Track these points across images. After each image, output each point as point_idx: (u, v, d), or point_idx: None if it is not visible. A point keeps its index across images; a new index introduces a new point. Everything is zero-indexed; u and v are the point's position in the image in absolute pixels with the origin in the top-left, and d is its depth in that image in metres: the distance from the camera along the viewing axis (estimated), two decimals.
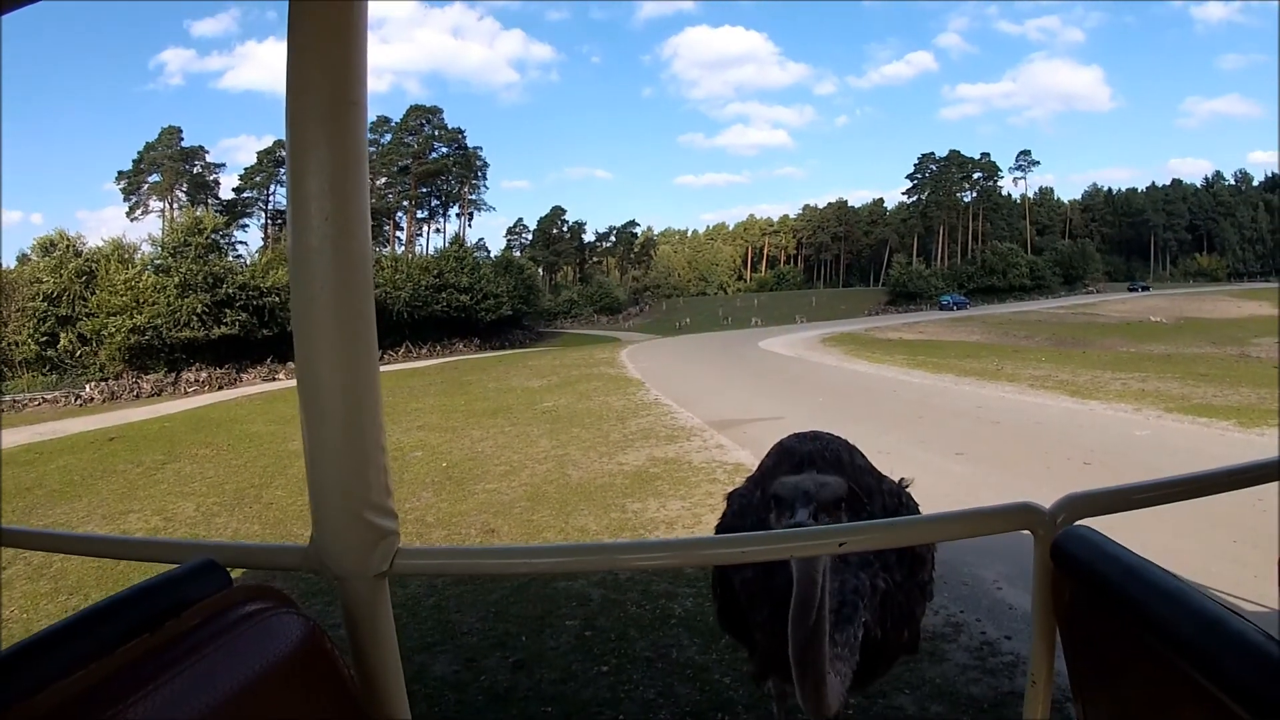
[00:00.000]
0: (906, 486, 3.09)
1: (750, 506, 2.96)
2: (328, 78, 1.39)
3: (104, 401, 35.65)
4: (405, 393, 23.95)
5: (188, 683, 1.07)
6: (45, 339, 41.77)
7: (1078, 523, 1.56)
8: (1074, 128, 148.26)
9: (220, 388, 39.31)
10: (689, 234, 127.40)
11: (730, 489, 3.36)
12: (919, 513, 3.01)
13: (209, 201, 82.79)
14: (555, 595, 6.19)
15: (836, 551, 1.75)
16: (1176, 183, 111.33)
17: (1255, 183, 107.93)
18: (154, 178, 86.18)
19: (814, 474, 2.33)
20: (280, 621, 1.24)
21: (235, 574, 1.39)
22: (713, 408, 16.14)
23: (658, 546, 1.90)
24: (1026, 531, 1.58)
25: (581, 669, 4.70)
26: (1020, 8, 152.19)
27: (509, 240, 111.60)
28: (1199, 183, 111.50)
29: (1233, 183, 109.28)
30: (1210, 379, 15.84)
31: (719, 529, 3.13)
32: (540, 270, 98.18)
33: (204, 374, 41.61)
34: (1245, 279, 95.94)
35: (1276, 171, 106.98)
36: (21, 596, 7.26)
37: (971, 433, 11.95)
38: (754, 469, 9.32)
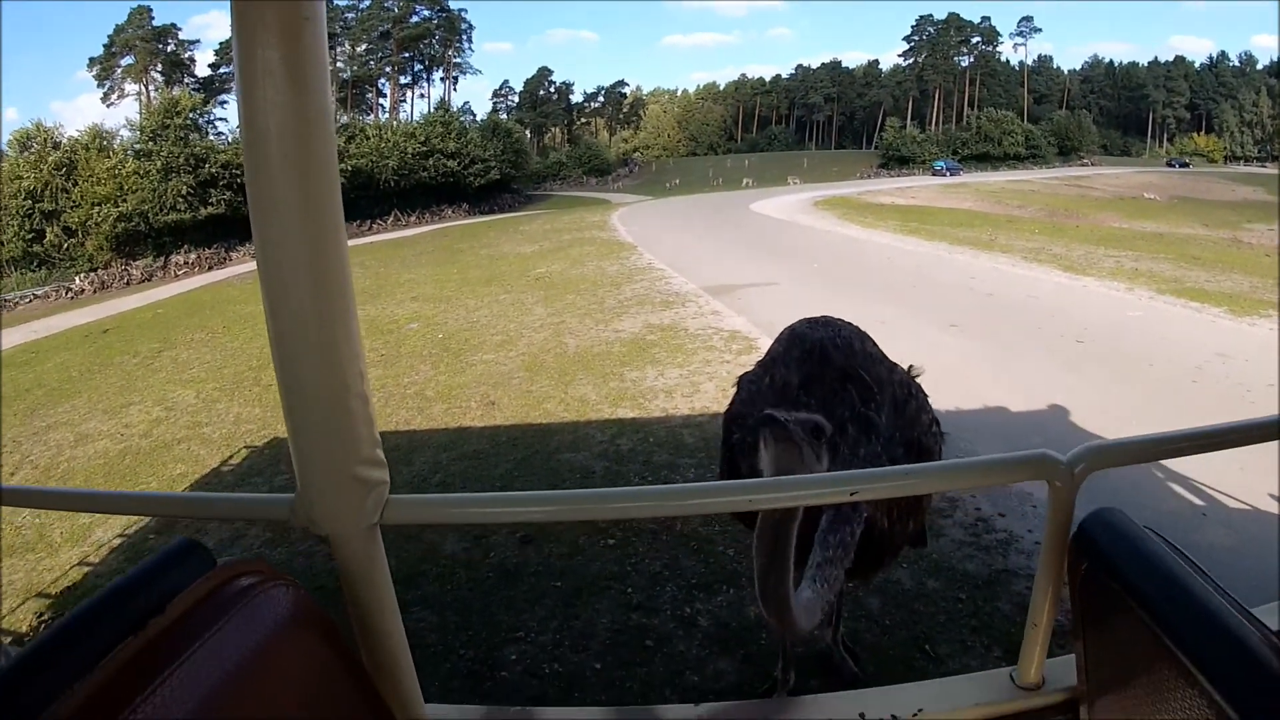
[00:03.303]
0: (917, 376, 3.09)
1: (760, 393, 2.92)
2: None
3: (95, 292, 35.02)
4: (397, 263, 23.73)
5: (185, 679, 1.03)
6: (31, 235, 40.64)
7: (1108, 507, 1.52)
8: None
9: (210, 268, 38.66)
10: (679, 94, 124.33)
11: (740, 370, 3.34)
12: (927, 402, 3.03)
13: (185, 81, 79.46)
14: (559, 468, 6.32)
15: (848, 500, 1.78)
16: (1179, 60, 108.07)
17: (1259, 66, 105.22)
18: (127, 60, 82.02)
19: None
20: (270, 596, 1.21)
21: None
22: (706, 273, 16.08)
23: (655, 494, 1.85)
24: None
25: (588, 543, 4.83)
26: None
27: (495, 103, 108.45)
28: (1202, 61, 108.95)
29: (1237, 64, 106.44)
30: (1203, 263, 15.79)
31: (728, 415, 3.10)
32: (528, 133, 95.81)
33: (193, 256, 40.73)
34: (1242, 163, 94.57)
35: None
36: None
37: (965, 305, 11.93)
38: (749, 336, 9.38)
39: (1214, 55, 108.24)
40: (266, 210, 1.30)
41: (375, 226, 49.90)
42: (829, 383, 2.71)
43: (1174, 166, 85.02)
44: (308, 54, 1.28)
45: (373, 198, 52.22)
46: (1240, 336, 9.75)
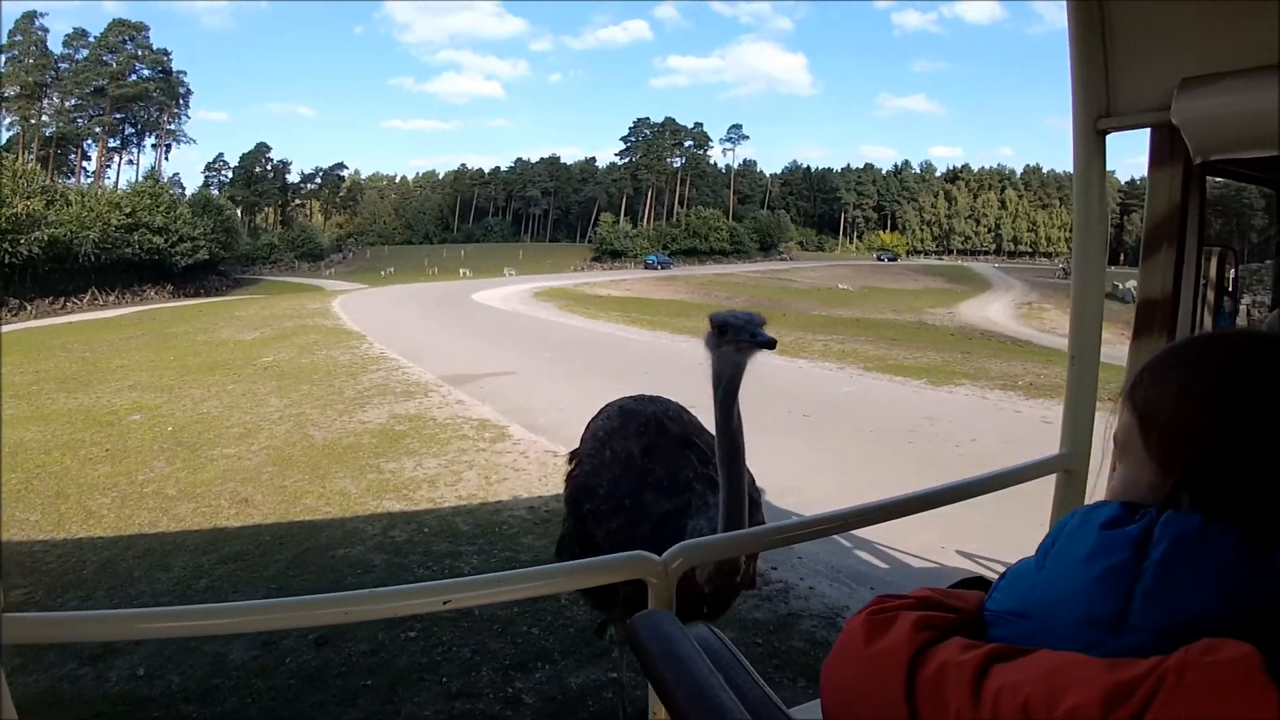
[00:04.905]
0: None
1: (605, 464, 3.14)
2: None
3: None
4: (105, 347, 21.63)
5: None
6: None
7: (655, 609, 1.67)
8: (777, 108, 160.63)
9: None
10: (398, 180, 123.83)
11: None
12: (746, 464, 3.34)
13: None
14: (336, 564, 6.07)
15: (441, 609, 1.80)
16: (869, 166, 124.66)
17: (938, 173, 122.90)
18: None
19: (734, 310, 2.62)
20: None
21: None
22: (442, 362, 16.06)
23: (262, 608, 1.91)
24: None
25: (388, 638, 4.67)
26: None
27: (207, 177, 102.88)
28: (888, 168, 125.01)
29: (918, 171, 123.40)
30: (899, 342, 17.93)
31: (576, 486, 3.28)
32: (239, 211, 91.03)
33: None
34: (922, 256, 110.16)
35: (956, 166, 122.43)
36: None
37: (699, 388, 12.46)
38: (499, 424, 9.46)
39: (898, 163, 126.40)
40: None
41: (70, 305, 45.39)
42: (669, 449, 3.02)
43: (883, 260, 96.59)
44: None
45: (70, 272, 47.67)
46: (942, 402, 11.28)
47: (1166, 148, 2.24)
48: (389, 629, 4.74)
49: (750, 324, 2.46)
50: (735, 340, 2.47)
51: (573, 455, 3.41)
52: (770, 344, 2.45)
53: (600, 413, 3.47)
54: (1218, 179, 2.58)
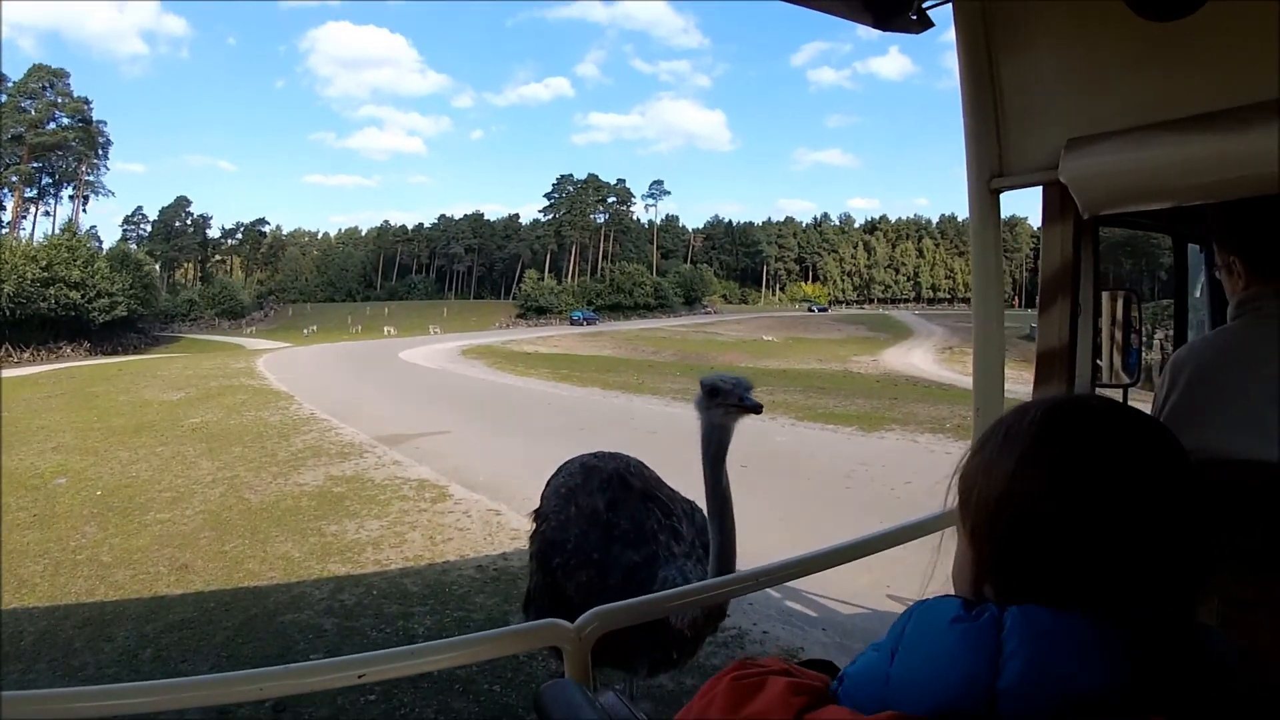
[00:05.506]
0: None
1: (571, 519, 3.26)
2: None
3: None
4: (23, 406, 20.90)
5: None
6: None
7: (565, 678, 1.71)
8: (697, 163, 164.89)
9: None
10: (320, 236, 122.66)
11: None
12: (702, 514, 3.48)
13: None
14: (286, 630, 5.99)
15: (356, 682, 1.78)
16: (789, 219, 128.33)
17: (856, 225, 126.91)
18: None
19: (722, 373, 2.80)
20: None
21: None
22: (374, 422, 15.94)
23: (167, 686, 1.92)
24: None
25: (348, 701, 4.63)
26: (654, 49, 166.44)
27: (125, 231, 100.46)
28: (808, 221, 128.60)
29: (837, 223, 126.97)
30: (827, 391, 18.36)
31: (544, 541, 3.36)
32: (158, 267, 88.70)
33: None
34: (844, 306, 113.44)
35: (874, 217, 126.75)
36: None
37: (635, 441, 12.67)
38: (439, 484, 9.48)
39: (818, 215, 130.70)
40: None
41: None
42: (634, 504, 3.19)
43: (813, 311, 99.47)
44: None
45: None
46: (874, 448, 11.67)
47: (1057, 204, 2.38)
48: (347, 693, 4.69)
49: (739, 388, 2.66)
50: (725, 403, 2.65)
51: (537, 513, 3.52)
52: (758, 408, 2.65)
53: (561, 470, 3.60)
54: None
